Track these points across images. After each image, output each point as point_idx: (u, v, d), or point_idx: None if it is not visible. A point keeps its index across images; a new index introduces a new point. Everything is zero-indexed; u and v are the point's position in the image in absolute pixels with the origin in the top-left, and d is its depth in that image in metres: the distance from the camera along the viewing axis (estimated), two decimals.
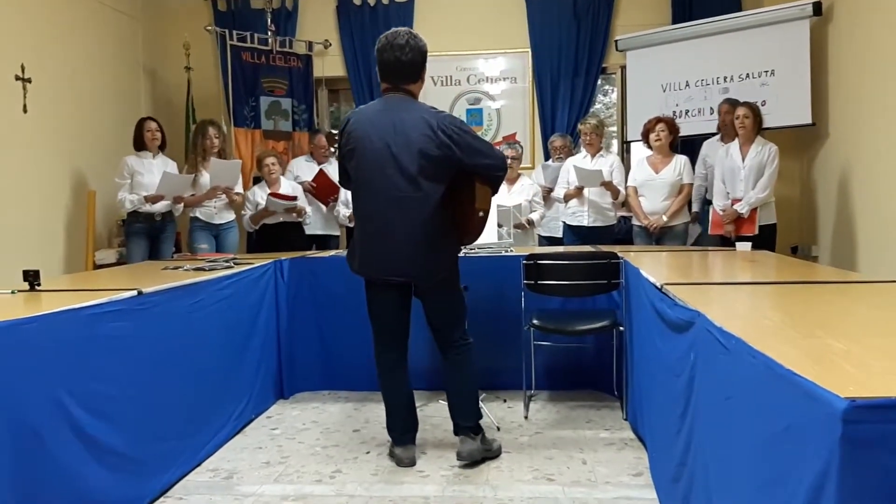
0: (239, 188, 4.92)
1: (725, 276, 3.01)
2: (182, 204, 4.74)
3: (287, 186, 4.99)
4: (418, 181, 2.73)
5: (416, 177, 2.73)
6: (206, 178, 4.73)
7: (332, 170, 5.40)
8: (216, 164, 4.73)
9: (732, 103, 4.88)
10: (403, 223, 2.75)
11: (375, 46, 2.84)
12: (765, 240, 4.22)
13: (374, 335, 2.99)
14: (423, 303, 2.96)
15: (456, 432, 2.97)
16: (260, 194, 4.92)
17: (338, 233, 5.42)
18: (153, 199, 4.59)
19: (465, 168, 2.80)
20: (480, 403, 3.04)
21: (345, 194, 5.07)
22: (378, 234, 2.81)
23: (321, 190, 5.09)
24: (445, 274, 2.89)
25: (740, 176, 4.43)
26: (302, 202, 4.97)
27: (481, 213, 2.84)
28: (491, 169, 2.84)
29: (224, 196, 4.79)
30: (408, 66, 2.81)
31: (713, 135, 5.13)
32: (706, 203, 4.91)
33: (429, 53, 2.88)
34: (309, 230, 5.17)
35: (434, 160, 2.73)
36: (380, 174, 2.76)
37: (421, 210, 2.75)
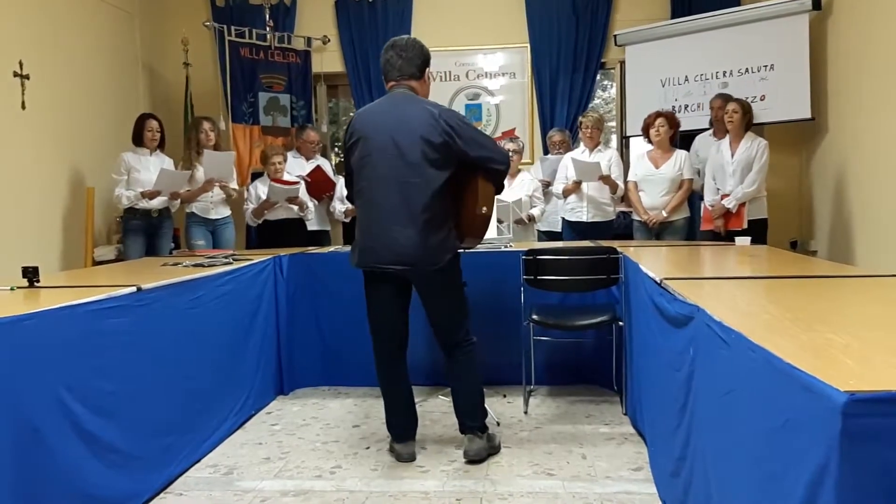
0: (234, 183, 4.91)
1: (724, 271, 3.01)
2: (178, 200, 4.74)
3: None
4: (419, 166, 2.75)
5: (418, 162, 2.75)
6: (200, 172, 4.73)
7: (325, 166, 5.41)
8: (210, 157, 4.72)
9: (725, 98, 4.91)
10: (404, 209, 2.76)
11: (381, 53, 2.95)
12: (756, 235, 4.22)
13: (372, 333, 2.98)
14: (423, 302, 2.94)
15: (462, 431, 2.96)
16: (262, 188, 4.90)
17: (329, 228, 5.41)
18: (150, 195, 4.59)
19: (468, 160, 2.81)
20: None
21: (340, 190, 5.07)
22: (378, 221, 2.81)
23: (315, 185, 5.06)
24: (444, 266, 2.86)
25: (729, 171, 4.46)
26: (304, 196, 4.95)
27: (484, 210, 2.86)
28: (492, 162, 2.85)
29: (219, 190, 4.78)
30: (407, 62, 2.88)
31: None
32: (699, 198, 4.92)
33: (427, 49, 2.92)
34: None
35: (435, 147, 2.75)
36: (381, 162, 2.79)
37: (421, 195, 2.75)
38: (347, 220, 5.04)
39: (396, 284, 2.90)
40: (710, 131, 5.07)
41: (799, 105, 5.17)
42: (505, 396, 3.70)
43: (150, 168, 4.66)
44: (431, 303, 2.93)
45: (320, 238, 5.18)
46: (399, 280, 2.88)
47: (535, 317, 3.46)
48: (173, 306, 2.83)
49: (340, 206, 5.03)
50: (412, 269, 2.82)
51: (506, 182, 3.09)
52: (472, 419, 2.93)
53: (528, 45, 6.08)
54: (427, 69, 2.96)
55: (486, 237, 3.86)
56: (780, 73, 5.23)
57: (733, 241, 3.99)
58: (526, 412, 3.50)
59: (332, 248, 4.28)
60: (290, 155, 5.31)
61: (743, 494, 1.52)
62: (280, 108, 5.96)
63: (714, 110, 4.99)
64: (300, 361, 3.94)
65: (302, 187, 4.97)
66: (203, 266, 3.32)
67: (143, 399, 2.57)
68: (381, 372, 2.99)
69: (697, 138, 5.16)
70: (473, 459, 2.86)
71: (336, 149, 6.97)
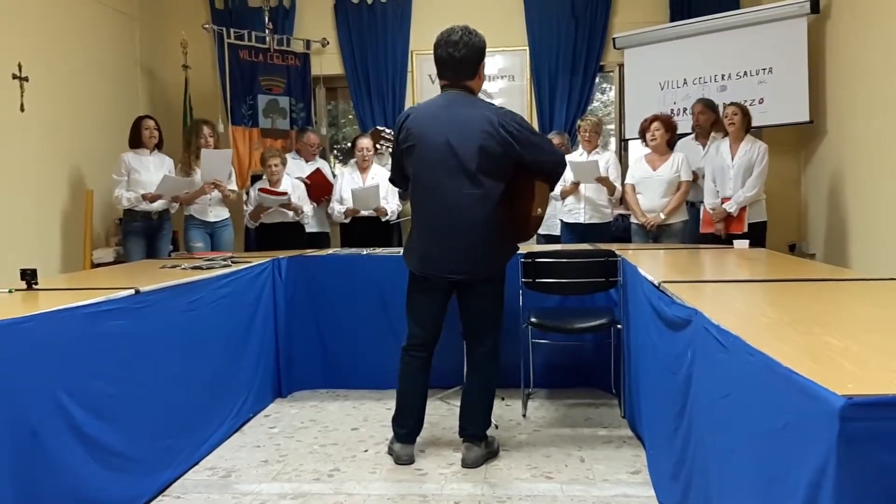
0: (232, 184, 4.90)
1: (723, 274, 3.01)
2: (178, 202, 4.74)
3: (288, 184, 4.96)
4: (479, 178, 2.73)
5: (477, 174, 2.72)
6: (199, 176, 4.73)
7: (324, 168, 5.41)
8: (207, 156, 4.71)
9: (705, 103, 4.96)
10: (465, 221, 2.74)
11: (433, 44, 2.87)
12: (755, 237, 4.23)
13: (409, 333, 2.96)
14: (462, 300, 2.92)
15: (462, 437, 2.95)
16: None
17: (328, 230, 5.40)
18: (152, 199, 4.59)
19: (525, 165, 2.80)
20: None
21: (338, 192, 5.07)
22: (439, 232, 2.79)
23: (315, 188, 5.07)
24: (500, 271, 2.88)
25: (729, 174, 4.47)
26: (303, 201, 4.95)
27: (539, 211, 2.85)
28: (550, 165, 2.86)
29: (217, 191, 4.78)
30: (461, 62, 2.81)
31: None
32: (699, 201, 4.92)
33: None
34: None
35: (495, 157, 2.73)
36: (440, 171, 2.75)
37: (482, 207, 2.74)
38: (347, 221, 5.04)
39: (446, 289, 2.90)
40: (693, 136, 5.09)
41: (797, 108, 5.18)
42: (503, 399, 3.69)
43: (151, 168, 4.66)
44: (474, 302, 2.91)
45: (319, 240, 5.17)
46: (451, 284, 2.88)
47: (533, 319, 3.45)
48: (172, 309, 2.82)
49: (339, 206, 5.03)
50: (470, 277, 2.83)
51: None
52: (474, 426, 2.92)
53: (527, 47, 6.08)
54: (482, 64, 2.88)
55: None
56: (779, 77, 5.24)
57: (732, 244, 4.00)
58: (524, 415, 3.49)
59: (330, 251, 4.27)
60: (289, 157, 5.31)
61: (742, 497, 1.52)
62: (279, 110, 5.96)
63: (695, 115, 5.04)
64: (298, 364, 3.93)
65: (302, 191, 4.97)
66: (201, 268, 3.32)
67: (141, 402, 2.56)
68: (406, 374, 2.97)
69: (679, 143, 5.15)
70: (472, 468, 2.85)
71: (335, 151, 6.98)
